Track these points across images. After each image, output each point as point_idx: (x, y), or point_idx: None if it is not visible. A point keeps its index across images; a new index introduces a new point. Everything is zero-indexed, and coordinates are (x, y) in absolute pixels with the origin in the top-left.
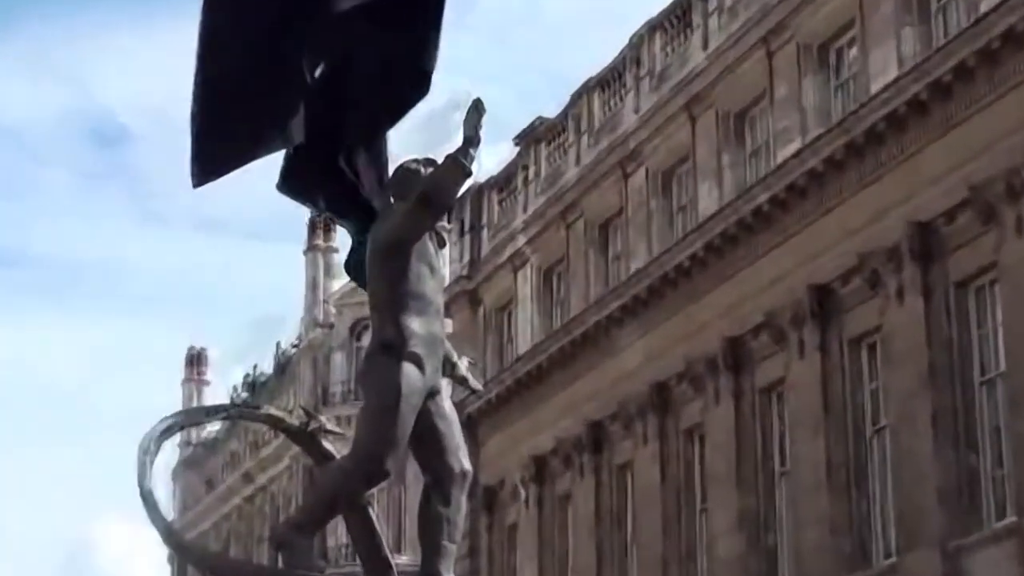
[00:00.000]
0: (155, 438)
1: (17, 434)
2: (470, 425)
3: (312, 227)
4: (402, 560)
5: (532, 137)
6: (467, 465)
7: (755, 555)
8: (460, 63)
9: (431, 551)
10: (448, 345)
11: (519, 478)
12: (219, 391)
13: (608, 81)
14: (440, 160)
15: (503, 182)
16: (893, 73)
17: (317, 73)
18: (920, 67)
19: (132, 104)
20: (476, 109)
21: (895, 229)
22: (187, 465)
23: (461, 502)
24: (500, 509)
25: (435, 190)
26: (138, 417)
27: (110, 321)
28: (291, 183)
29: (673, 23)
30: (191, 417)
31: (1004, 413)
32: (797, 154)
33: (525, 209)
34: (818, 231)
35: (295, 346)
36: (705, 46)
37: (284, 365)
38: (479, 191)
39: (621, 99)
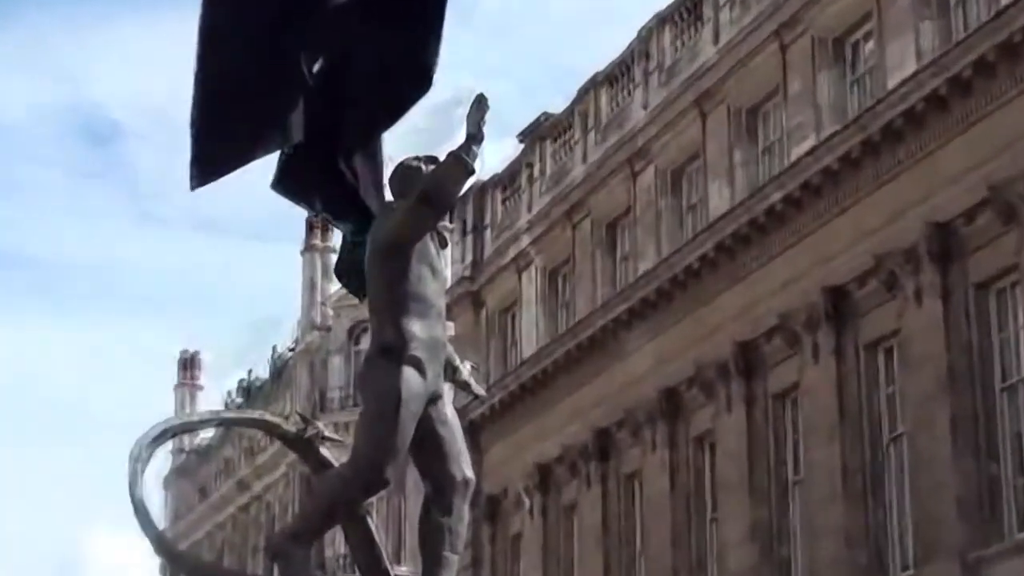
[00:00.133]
0: (146, 445)
1: (5, 438)
2: (472, 432)
3: (310, 227)
4: (402, 571)
5: (537, 134)
6: (469, 473)
7: (767, 567)
8: (463, 57)
9: (432, 562)
10: (450, 349)
11: (523, 487)
12: (213, 396)
13: (616, 76)
14: (442, 158)
15: (507, 180)
16: (911, 68)
17: (316, 68)
18: (939, 61)
19: (128, 101)
20: (479, 105)
21: (913, 229)
22: (179, 473)
23: (463, 511)
24: (503, 519)
25: (437, 189)
26: (131, 422)
27: (105, 323)
28: (287, 183)
29: (683, 16)
30: (184, 423)
31: None
32: (811, 152)
33: (530, 208)
34: (833, 231)
35: (291, 349)
36: (716, 40)
37: (280, 369)
38: (482, 190)
39: (629, 94)
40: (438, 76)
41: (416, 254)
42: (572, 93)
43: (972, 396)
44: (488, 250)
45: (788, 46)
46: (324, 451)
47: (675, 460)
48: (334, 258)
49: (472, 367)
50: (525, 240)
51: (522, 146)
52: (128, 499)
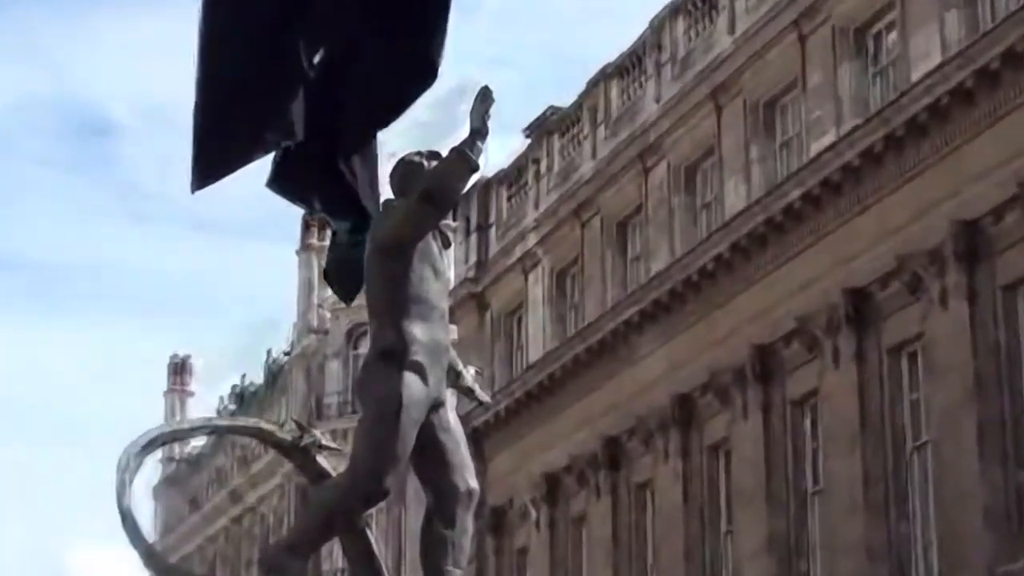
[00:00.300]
0: (135, 454)
1: None
2: (476, 440)
3: (306, 226)
4: None
5: (544, 128)
6: (473, 483)
7: None
8: (466, 47)
9: None
10: (453, 353)
11: (529, 498)
12: (205, 402)
13: (627, 68)
14: (445, 153)
15: (512, 177)
16: (936, 59)
17: (315, 61)
18: (965, 53)
19: (122, 99)
20: (483, 98)
21: (938, 228)
22: (169, 483)
23: (467, 523)
24: (509, 531)
25: (439, 186)
26: (121, 429)
27: (96, 325)
28: (283, 181)
29: (697, 5)
30: (175, 431)
31: None
32: (832, 147)
33: (536, 206)
34: (854, 230)
35: (287, 354)
36: (732, 30)
37: (275, 374)
38: (487, 186)
39: (641, 87)
40: (441, 68)
41: (418, 254)
42: (581, 86)
43: (1000, 403)
44: (493, 250)
45: (807, 36)
46: (321, 460)
47: (688, 470)
48: None
49: (476, 372)
50: (532, 239)
51: (528, 141)
52: (116, 510)
